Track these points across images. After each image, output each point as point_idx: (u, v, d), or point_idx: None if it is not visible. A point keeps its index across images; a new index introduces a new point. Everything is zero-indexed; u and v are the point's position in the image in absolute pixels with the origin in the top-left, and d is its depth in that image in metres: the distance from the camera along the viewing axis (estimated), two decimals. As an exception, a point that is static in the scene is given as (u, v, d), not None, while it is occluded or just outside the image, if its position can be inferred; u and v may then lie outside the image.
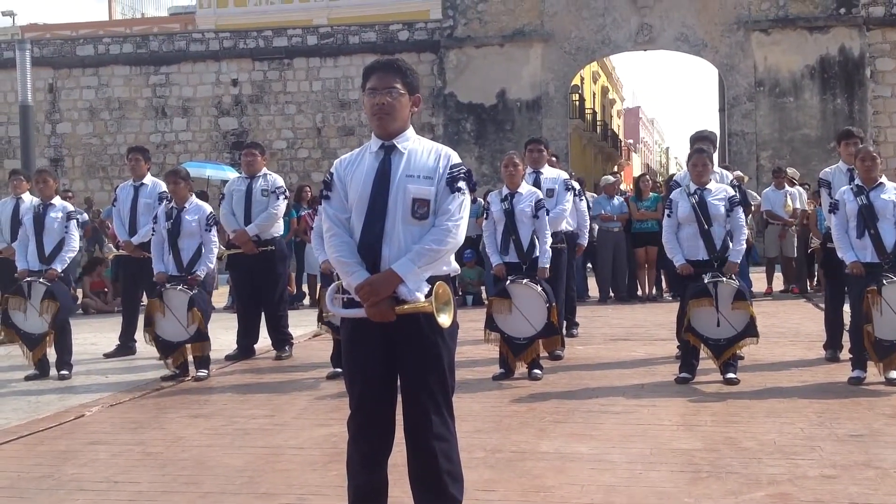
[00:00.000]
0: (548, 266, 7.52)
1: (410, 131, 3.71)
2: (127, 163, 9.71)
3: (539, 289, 7.28)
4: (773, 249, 14.07)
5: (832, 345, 7.93)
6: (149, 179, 9.44)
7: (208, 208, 8.17)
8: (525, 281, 7.30)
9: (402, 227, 3.56)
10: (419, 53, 25.52)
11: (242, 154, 9.34)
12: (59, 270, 8.08)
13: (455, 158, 3.69)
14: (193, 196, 8.22)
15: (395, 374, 3.62)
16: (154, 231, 8.08)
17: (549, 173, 8.62)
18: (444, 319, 3.50)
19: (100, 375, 8.24)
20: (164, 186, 9.38)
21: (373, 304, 3.49)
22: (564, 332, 9.00)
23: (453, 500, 3.62)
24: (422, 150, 3.67)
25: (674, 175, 11.22)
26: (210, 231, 7.98)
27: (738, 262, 7.17)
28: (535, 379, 7.30)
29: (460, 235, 3.61)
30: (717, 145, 8.52)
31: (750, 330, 6.94)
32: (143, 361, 8.85)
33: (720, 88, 25.98)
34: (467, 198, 3.66)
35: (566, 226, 8.73)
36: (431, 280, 3.55)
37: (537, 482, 4.63)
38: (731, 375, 6.96)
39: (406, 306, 3.48)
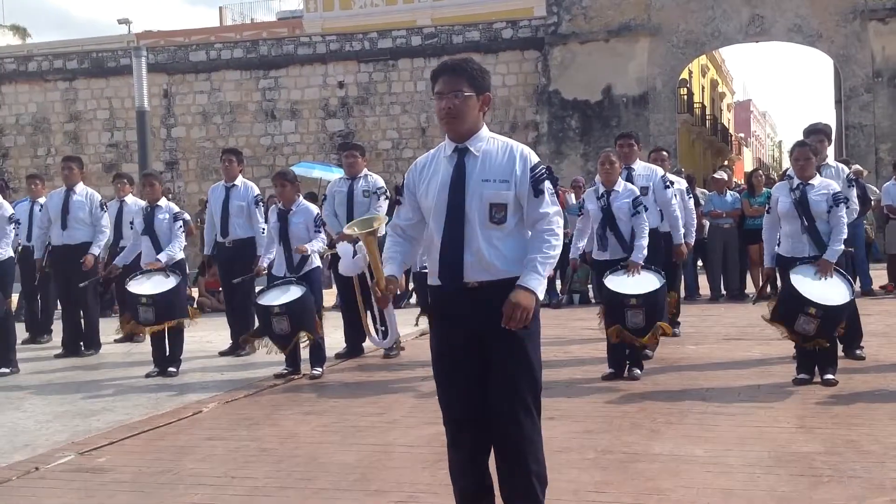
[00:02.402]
0: (641, 262, 7.41)
1: (484, 131, 3.67)
2: (220, 164, 9.88)
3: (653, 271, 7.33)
4: (894, 245, 13.52)
5: None
6: (240, 181, 9.56)
7: (316, 210, 8.29)
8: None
9: (480, 233, 3.54)
10: (523, 51, 25.48)
11: (343, 156, 9.44)
12: (163, 262, 8.36)
13: (533, 158, 3.64)
14: (301, 198, 8.35)
15: (483, 378, 3.59)
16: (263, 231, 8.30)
17: (642, 169, 8.43)
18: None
19: (215, 373, 8.46)
20: (256, 189, 9.59)
21: (525, 320, 3.51)
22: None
23: (538, 503, 3.60)
24: (496, 151, 3.62)
25: (787, 170, 10.90)
26: (319, 232, 8.11)
27: (833, 261, 6.84)
28: (635, 378, 7.20)
29: (561, 230, 3.61)
30: (832, 139, 8.14)
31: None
32: (256, 359, 9.04)
33: (836, 80, 25.19)
34: (554, 195, 3.64)
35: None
36: (514, 281, 3.54)
37: (650, 485, 4.55)
38: (828, 377, 6.72)
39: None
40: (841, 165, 8.44)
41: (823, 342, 6.73)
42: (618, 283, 7.28)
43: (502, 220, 3.56)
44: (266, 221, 8.33)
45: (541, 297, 3.56)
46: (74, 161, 10.49)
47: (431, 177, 3.67)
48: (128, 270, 9.02)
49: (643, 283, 7.23)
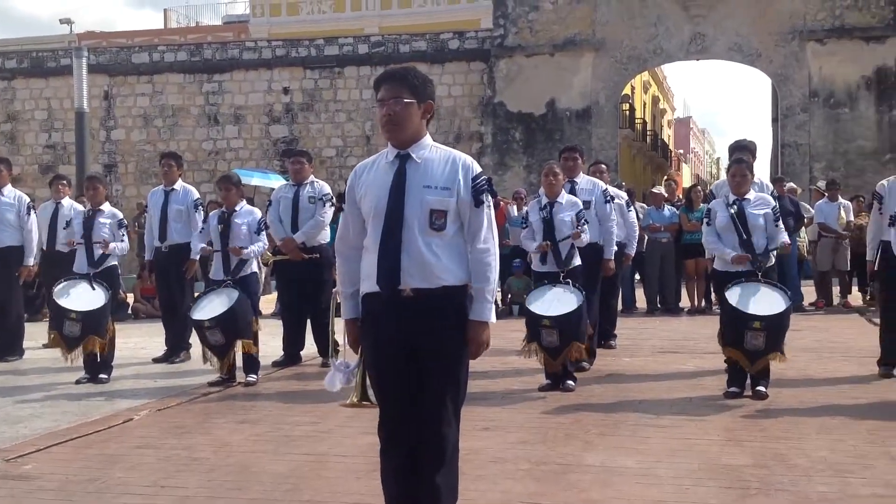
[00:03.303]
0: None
1: (427, 139, 3.69)
2: (160, 168, 9.73)
3: (576, 290, 7.34)
4: (825, 263, 13.83)
5: (886, 360, 7.73)
6: (180, 185, 9.48)
7: (259, 213, 8.27)
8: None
9: (420, 239, 3.55)
10: (469, 62, 25.60)
11: (290, 162, 9.40)
12: (111, 248, 8.26)
13: (475, 168, 3.67)
14: (244, 201, 8.30)
15: (417, 387, 3.62)
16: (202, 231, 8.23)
17: (585, 183, 8.51)
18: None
19: (148, 380, 8.33)
20: (196, 193, 9.51)
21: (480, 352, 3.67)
22: (601, 342, 8.95)
23: None
24: (438, 160, 3.65)
25: (710, 191, 11.12)
26: (260, 234, 8.08)
27: (772, 262, 7.05)
28: (569, 390, 7.25)
29: (496, 246, 3.68)
30: (756, 155, 8.40)
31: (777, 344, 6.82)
32: (190, 366, 8.94)
33: (773, 99, 25.69)
34: (492, 209, 3.70)
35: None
36: (448, 290, 3.59)
37: (583, 496, 4.58)
38: (760, 388, 6.85)
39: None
40: (765, 181, 8.66)
41: (775, 357, 6.85)
42: (537, 301, 7.34)
43: (442, 227, 3.58)
44: (204, 222, 8.25)
45: (493, 321, 3.67)
46: (2, 162, 10.22)
47: (372, 181, 3.67)
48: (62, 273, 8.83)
49: (560, 304, 7.29)
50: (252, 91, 26.71)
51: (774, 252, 7.09)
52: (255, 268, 8.14)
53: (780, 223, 7.14)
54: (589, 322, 7.66)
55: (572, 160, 8.48)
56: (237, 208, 8.10)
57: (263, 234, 8.18)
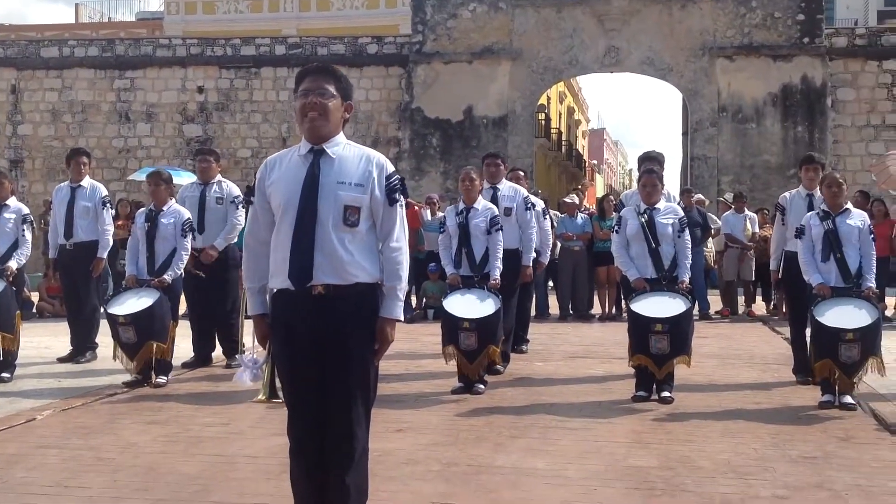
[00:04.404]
0: (498, 278, 7.58)
1: (341, 136, 3.69)
2: (68, 165, 9.37)
3: (492, 294, 7.43)
4: (731, 272, 14.21)
5: (800, 368, 7.87)
6: (87, 182, 9.24)
7: (186, 214, 8.11)
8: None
9: (333, 234, 3.55)
10: (387, 67, 25.57)
11: (197, 160, 9.27)
12: (15, 268, 8.00)
13: (389, 167, 3.69)
14: (173, 200, 8.15)
15: (327, 385, 3.61)
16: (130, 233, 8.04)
17: (507, 189, 8.61)
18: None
19: (52, 380, 8.12)
20: (104, 189, 9.30)
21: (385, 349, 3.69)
22: (514, 347, 9.04)
23: None
24: (352, 156, 3.65)
25: (617, 203, 11.35)
26: (185, 237, 7.93)
27: (686, 279, 7.23)
28: (477, 393, 7.31)
29: (406, 245, 3.72)
30: (664, 165, 8.62)
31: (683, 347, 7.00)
32: (98, 366, 8.73)
33: (684, 113, 26.29)
34: (403, 208, 3.73)
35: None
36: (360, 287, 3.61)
37: (493, 496, 4.63)
38: (665, 394, 7.02)
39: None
40: (671, 192, 8.87)
41: (681, 360, 7.01)
42: (455, 304, 7.41)
43: (355, 224, 3.58)
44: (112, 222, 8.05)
45: (402, 319, 3.72)
46: None
47: (283, 174, 3.64)
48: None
49: (479, 307, 7.36)
50: (165, 89, 26.22)
51: (687, 274, 7.24)
52: (180, 270, 7.99)
53: (687, 233, 7.33)
54: (504, 326, 7.75)
55: (494, 166, 8.60)
56: (165, 207, 7.95)
57: (189, 237, 8.03)
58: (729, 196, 15.99)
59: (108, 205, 9.19)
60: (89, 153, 9.74)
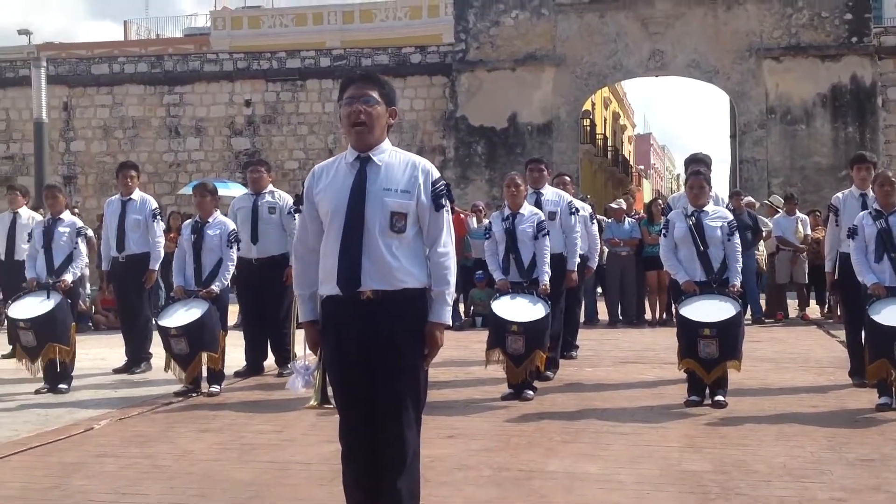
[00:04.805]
0: (548, 283, 7.56)
1: (386, 143, 3.72)
2: (118, 179, 9.53)
3: (541, 300, 7.42)
4: (784, 276, 14.03)
5: (857, 371, 7.70)
6: (137, 195, 9.36)
7: (231, 225, 8.20)
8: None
9: (381, 241, 3.57)
10: (431, 76, 25.68)
11: (249, 171, 9.34)
12: (69, 282, 8.15)
13: (434, 173, 3.71)
14: (218, 211, 8.25)
15: (377, 390, 3.63)
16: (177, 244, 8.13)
17: (550, 194, 8.59)
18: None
19: (109, 390, 8.25)
20: (153, 202, 9.41)
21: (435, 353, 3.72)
22: (563, 353, 9.01)
23: None
24: (398, 163, 3.68)
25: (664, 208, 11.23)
26: (231, 248, 8.02)
27: (737, 283, 7.13)
28: (527, 399, 7.28)
29: (454, 250, 3.75)
30: (711, 167, 8.53)
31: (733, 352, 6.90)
32: (152, 377, 8.86)
33: (731, 115, 26.04)
34: (450, 213, 3.75)
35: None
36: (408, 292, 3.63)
37: (544, 500, 4.62)
38: (719, 398, 6.93)
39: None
40: (719, 194, 8.77)
41: (732, 365, 6.92)
42: (503, 307, 7.39)
43: (402, 230, 3.61)
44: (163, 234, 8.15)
45: (450, 323, 3.76)
46: None
47: (331, 182, 3.69)
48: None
49: (528, 311, 7.34)
50: (213, 103, 26.57)
51: (738, 278, 7.15)
52: (227, 280, 8.08)
53: (737, 236, 7.21)
54: (552, 333, 7.72)
55: (538, 171, 8.58)
56: (210, 219, 8.04)
57: (235, 248, 8.12)
58: (774, 199, 15.78)
59: (158, 217, 9.31)
60: (137, 166, 9.88)
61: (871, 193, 7.48)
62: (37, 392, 7.97)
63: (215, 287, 7.84)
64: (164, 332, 7.66)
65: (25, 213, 10.77)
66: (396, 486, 3.59)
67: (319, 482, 4.95)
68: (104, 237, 9.57)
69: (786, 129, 23.75)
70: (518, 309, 7.36)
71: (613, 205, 14.54)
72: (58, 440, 6.09)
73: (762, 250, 14.18)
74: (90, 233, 12.92)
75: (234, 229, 8.16)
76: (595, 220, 10.31)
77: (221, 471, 5.25)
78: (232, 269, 8.11)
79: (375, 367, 3.60)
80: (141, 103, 26.75)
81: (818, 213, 14.98)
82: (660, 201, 14.72)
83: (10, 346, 9.30)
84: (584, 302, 11.54)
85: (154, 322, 7.99)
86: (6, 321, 8.26)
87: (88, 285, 13.78)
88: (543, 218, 7.84)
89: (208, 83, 26.59)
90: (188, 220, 8.42)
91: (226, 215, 8.79)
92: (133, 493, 4.81)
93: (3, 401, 7.77)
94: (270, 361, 9.09)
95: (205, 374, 7.82)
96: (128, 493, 4.84)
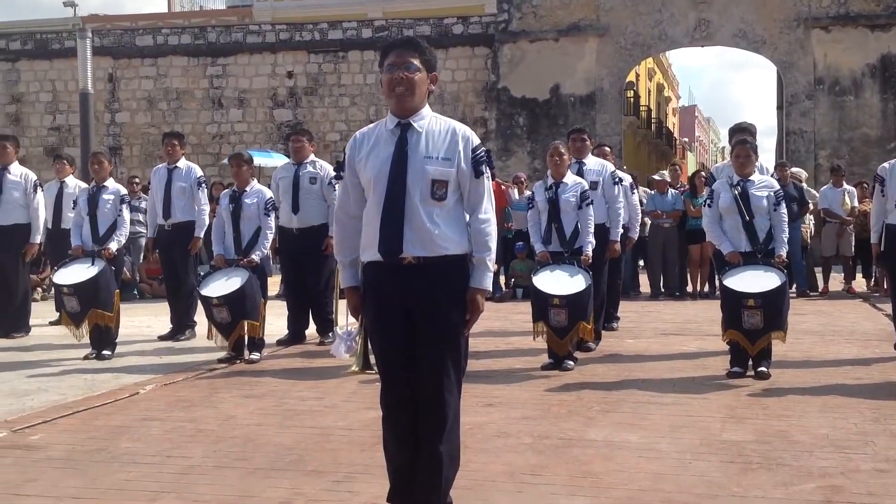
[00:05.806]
0: (590, 253, 7.53)
1: (426, 109, 3.70)
2: (163, 147, 9.66)
3: (582, 270, 7.37)
4: (829, 248, 13.84)
5: None
6: (183, 163, 9.45)
7: (268, 193, 8.25)
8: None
9: (422, 208, 3.58)
10: (473, 47, 25.55)
11: (290, 141, 9.38)
12: (114, 250, 8.26)
13: (475, 139, 3.70)
14: (255, 181, 8.31)
15: (418, 354, 3.65)
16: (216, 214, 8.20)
17: (593, 164, 8.54)
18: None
19: (154, 356, 8.38)
20: (199, 170, 9.49)
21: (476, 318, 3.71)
22: (604, 324, 8.97)
23: (446, 484, 3.69)
24: (439, 130, 3.66)
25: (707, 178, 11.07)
26: (269, 216, 8.06)
27: (783, 253, 7.04)
28: (567, 369, 7.27)
29: (494, 216, 3.74)
30: (756, 137, 8.39)
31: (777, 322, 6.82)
32: (196, 344, 8.98)
33: (779, 86, 25.62)
34: (490, 180, 3.73)
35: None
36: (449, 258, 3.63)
37: (584, 468, 4.62)
38: (762, 369, 6.87)
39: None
40: (765, 164, 8.64)
41: (777, 336, 6.85)
42: (545, 281, 7.37)
43: (443, 197, 3.60)
44: (208, 203, 8.21)
45: (490, 289, 3.75)
46: (9, 140, 10.21)
47: (372, 149, 3.68)
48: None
49: (569, 283, 7.31)
50: (256, 75, 26.67)
51: (784, 248, 7.06)
52: (266, 249, 8.15)
53: (783, 206, 7.11)
54: (594, 303, 7.69)
55: (580, 141, 8.53)
56: (247, 188, 8.10)
57: (273, 217, 8.17)
58: (797, 172, 15.35)
59: (203, 185, 9.39)
60: (182, 135, 9.96)
61: (920, 163, 7.33)
62: (85, 358, 8.12)
63: (255, 256, 7.90)
64: (206, 301, 7.75)
65: (72, 181, 10.90)
66: (437, 449, 3.61)
67: (360, 447, 4.99)
68: (150, 204, 9.68)
69: (834, 100, 23.34)
70: (559, 281, 7.33)
71: (656, 176, 14.42)
72: (104, 404, 6.20)
73: (808, 222, 13.98)
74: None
75: (271, 197, 8.21)
76: (636, 191, 10.23)
77: (264, 435, 5.32)
78: (271, 237, 8.16)
79: (417, 331, 3.61)
80: (184, 75, 26.92)
81: (866, 185, 14.72)
82: (703, 173, 14.56)
83: (58, 314, 9.49)
84: (623, 273, 11.47)
85: (197, 290, 8.08)
86: (53, 288, 8.40)
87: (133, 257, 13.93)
88: (587, 187, 7.78)
89: (251, 55, 26.67)
90: (225, 190, 8.48)
91: (268, 186, 8.87)
92: (177, 456, 4.89)
93: (50, 366, 7.93)
94: (312, 330, 9.16)
95: (246, 341, 7.91)
96: (172, 455, 4.92)
